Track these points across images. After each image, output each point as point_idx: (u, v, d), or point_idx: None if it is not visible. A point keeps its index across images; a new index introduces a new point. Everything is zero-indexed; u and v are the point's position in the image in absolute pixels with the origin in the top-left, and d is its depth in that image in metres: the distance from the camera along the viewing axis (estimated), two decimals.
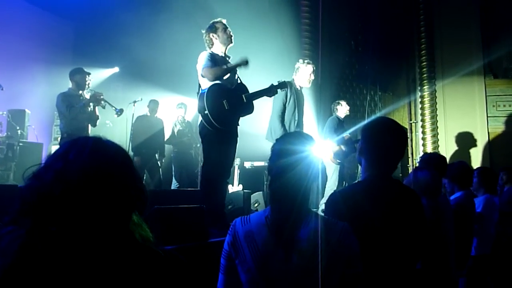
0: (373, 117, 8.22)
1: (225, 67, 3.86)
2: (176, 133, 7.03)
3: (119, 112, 5.55)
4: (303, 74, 5.04)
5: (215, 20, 4.08)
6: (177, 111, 7.15)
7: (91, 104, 5.28)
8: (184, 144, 7.06)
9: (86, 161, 0.95)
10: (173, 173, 7.06)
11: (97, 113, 5.41)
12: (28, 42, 8.29)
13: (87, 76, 5.35)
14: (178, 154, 7.03)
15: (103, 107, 5.45)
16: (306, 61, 5.14)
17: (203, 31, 4.08)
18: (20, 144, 6.84)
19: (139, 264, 0.97)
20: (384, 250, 1.73)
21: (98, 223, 0.92)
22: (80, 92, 5.29)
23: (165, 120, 7.15)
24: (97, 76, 8.25)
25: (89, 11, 8.68)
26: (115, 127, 7.39)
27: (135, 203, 1.01)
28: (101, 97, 5.34)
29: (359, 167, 4.36)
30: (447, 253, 2.83)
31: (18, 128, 7.09)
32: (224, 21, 4.07)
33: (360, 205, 1.75)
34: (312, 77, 5.12)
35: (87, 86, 5.36)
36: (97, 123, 5.46)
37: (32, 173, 0.97)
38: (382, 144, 1.84)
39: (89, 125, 5.38)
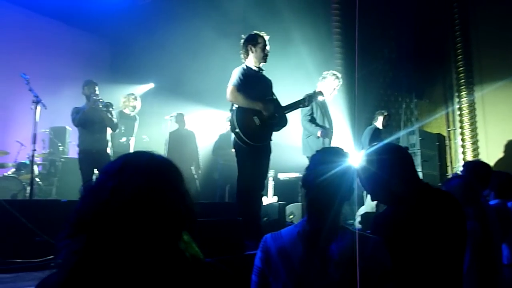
0: (409, 126, 8.04)
1: (249, 101, 3.83)
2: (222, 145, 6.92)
3: (106, 105, 5.45)
4: (328, 86, 5.00)
5: (258, 32, 4.02)
6: (226, 124, 7.18)
7: (101, 108, 5.31)
8: (231, 156, 7.08)
9: (140, 181, 0.95)
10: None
11: (110, 115, 5.45)
12: (67, 62, 8.65)
13: (95, 86, 5.44)
14: (224, 166, 6.90)
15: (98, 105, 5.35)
16: (335, 75, 5.07)
17: (243, 37, 4.04)
18: (62, 160, 7.09)
19: (190, 281, 0.97)
20: (436, 263, 1.72)
21: (150, 241, 0.92)
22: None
23: (198, 133, 7.24)
24: (133, 92, 8.46)
25: (124, 30, 8.98)
26: (152, 142, 7.53)
27: (185, 222, 1.00)
28: (96, 94, 5.34)
29: None
30: (495, 264, 2.74)
31: (59, 144, 7.34)
32: (267, 37, 4.01)
33: (407, 222, 1.73)
34: (335, 92, 5.06)
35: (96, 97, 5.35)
36: (115, 125, 5.53)
37: (87, 189, 0.98)
38: (407, 161, 1.93)
39: (108, 132, 5.47)
